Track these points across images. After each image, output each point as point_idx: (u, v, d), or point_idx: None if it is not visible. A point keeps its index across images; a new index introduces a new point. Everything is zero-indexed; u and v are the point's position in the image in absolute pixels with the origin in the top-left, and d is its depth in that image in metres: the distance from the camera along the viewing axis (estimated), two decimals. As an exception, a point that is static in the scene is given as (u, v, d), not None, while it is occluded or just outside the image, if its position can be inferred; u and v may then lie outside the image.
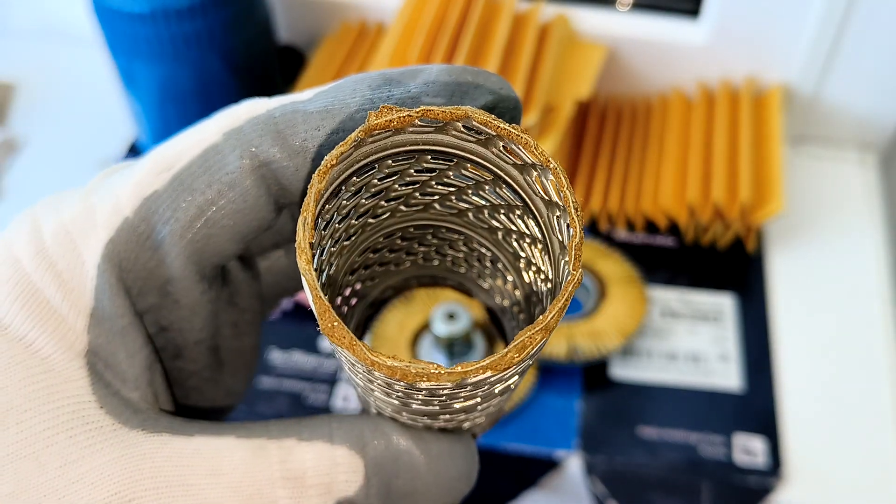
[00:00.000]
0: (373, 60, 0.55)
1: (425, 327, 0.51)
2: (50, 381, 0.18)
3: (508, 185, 0.19)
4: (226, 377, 0.22)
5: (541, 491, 0.49)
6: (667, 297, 0.54)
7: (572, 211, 0.16)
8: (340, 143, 0.17)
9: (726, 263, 0.56)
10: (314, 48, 0.64)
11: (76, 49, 0.69)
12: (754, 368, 0.51)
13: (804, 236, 0.58)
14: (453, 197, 0.20)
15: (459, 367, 0.15)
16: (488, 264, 0.22)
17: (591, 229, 0.58)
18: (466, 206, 0.20)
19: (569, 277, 0.16)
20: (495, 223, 0.20)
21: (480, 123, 0.17)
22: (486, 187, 0.19)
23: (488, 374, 0.15)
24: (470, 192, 0.19)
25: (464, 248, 0.22)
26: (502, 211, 0.19)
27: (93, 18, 0.54)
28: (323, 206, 0.17)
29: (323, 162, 0.17)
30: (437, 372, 0.15)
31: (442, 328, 0.47)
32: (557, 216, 0.18)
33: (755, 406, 0.50)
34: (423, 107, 0.17)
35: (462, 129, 0.17)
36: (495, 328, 0.24)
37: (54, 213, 0.19)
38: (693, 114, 0.60)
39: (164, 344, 0.20)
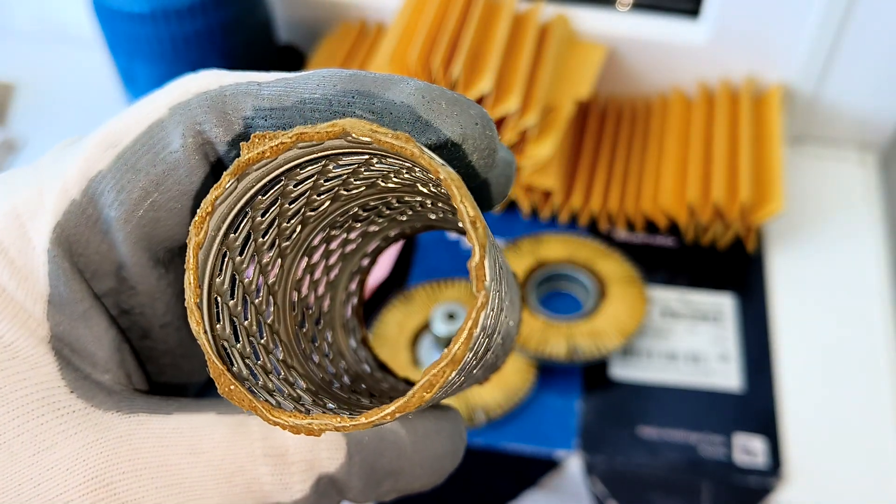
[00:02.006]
0: (373, 60, 0.55)
1: (425, 327, 0.51)
2: (16, 369, 0.17)
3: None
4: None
5: (541, 491, 0.49)
6: (667, 297, 0.54)
7: (468, 226, 0.14)
8: (214, 187, 0.16)
9: (726, 263, 0.56)
10: (314, 48, 0.64)
11: (76, 49, 0.69)
12: (754, 368, 0.51)
13: (804, 236, 0.58)
14: (391, 175, 0.19)
15: (364, 418, 0.15)
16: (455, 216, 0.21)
17: (591, 229, 0.58)
18: (407, 181, 0.19)
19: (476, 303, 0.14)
20: (442, 192, 0.19)
21: (361, 136, 0.15)
22: (417, 168, 0.17)
23: (398, 416, 0.15)
24: (404, 171, 0.18)
25: (431, 206, 0.21)
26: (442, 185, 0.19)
27: (93, 18, 0.54)
28: (222, 243, 0.17)
29: (198, 212, 0.16)
30: (342, 424, 0.15)
31: (442, 328, 0.47)
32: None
33: (755, 406, 0.50)
34: (297, 130, 0.16)
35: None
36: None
37: (3, 194, 0.18)
38: (693, 114, 0.60)
39: (129, 325, 0.19)
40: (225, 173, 0.16)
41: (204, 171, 0.18)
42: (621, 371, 0.51)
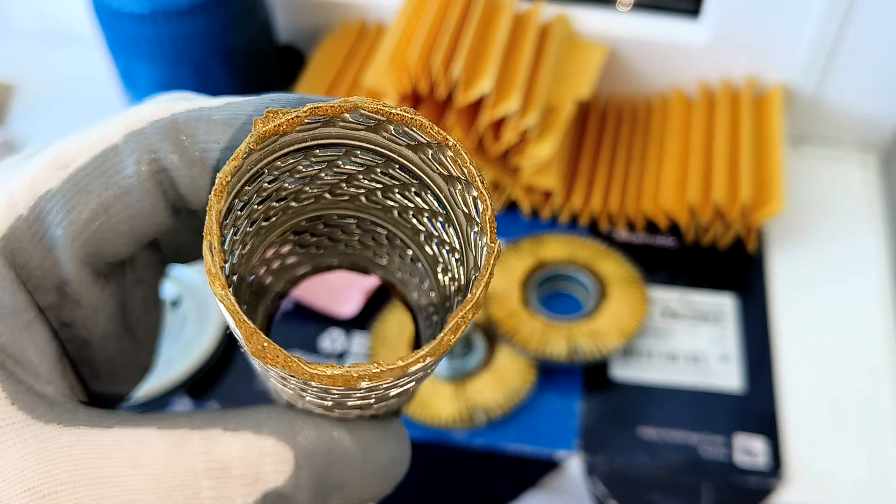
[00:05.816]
0: (373, 60, 0.55)
1: (425, 327, 0.51)
2: None
3: (426, 187, 0.18)
4: (141, 354, 0.22)
5: (541, 491, 0.49)
6: (667, 297, 0.54)
7: (479, 184, 0.16)
8: (232, 157, 0.17)
9: (726, 263, 0.56)
10: (314, 48, 0.64)
11: (76, 49, 0.69)
12: (754, 369, 0.51)
13: (804, 236, 0.58)
14: (379, 193, 0.20)
15: (400, 361, 0.16)
16: (408, 262, 0.22)
17: (592, 229, 0.58)
18: (392, 204, 0.20)
19: (486, 250, 0.16)
20: (417, 225, 0.20)
21: (372, 112, 0.17)
22: (397, 165, 0.19)
23: (428, 360, 0.16)
24: (396, 192, 0.20)
25: (386, 243, 0.22)
26: (426, 215, 0.19)
27: (93, 18, 0.54)
28: (234, 198, 0.17)
29: (217, 180, 0.16)
30: (378, 371, 0.15)
31: (442, 328, 0.47)
32: (460, 190, 0.18)
33: (755, 406, 0.49)
34: (309, 105, 0.17)
35: (350, 119, 0.17)
36: (413, 327, 0.23)
37: None
38: (693, 114, 0.60)
39: (69, 337, 0.20)
40: (240, 146, 0.17)
41: (156, 198, 0.18)
42: (622, 371, 0.51)
